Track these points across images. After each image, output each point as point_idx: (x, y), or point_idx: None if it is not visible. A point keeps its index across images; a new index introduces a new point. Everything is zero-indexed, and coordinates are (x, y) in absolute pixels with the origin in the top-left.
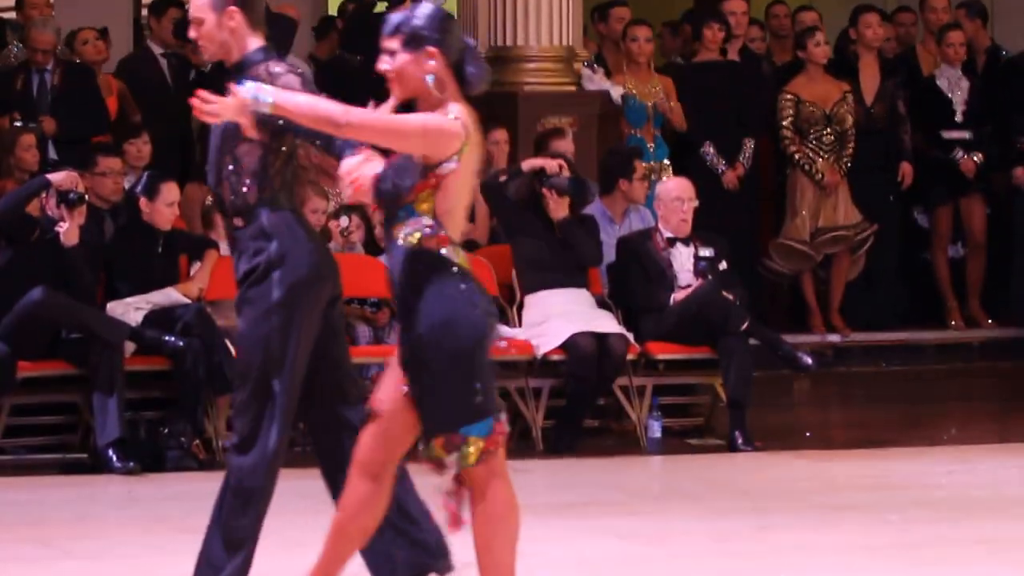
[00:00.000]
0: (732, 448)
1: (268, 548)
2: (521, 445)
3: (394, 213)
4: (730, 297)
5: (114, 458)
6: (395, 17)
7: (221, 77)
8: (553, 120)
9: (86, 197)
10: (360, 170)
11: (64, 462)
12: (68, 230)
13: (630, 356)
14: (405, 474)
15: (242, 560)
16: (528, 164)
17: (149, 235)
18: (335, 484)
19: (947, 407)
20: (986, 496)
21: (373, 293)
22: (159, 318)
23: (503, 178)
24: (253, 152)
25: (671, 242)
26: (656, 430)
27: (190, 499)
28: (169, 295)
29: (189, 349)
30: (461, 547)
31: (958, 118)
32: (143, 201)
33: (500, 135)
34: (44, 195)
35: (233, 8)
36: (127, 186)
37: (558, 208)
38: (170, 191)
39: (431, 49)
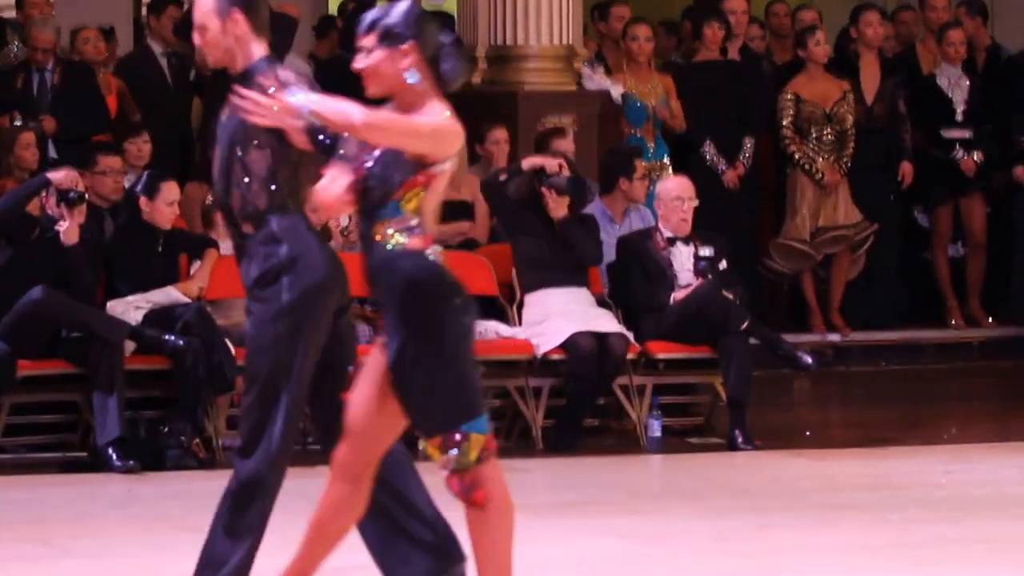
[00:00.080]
0: (732, 447)
1: (268, 548)
2: (521, 444)
3: (377, 209)
4: (730, 296)
5: (114, 457)
6: (370, 15)
7: (222, 76)
8: (553, 119)
9: (86, 196)
10: (328, 189)
11: (64, 461)
12: (68, 229)
13: (630, 355)
14: (414, 474)
15: (243, 557)
16: (528, 163)
17: (149, 234)
18: None
19: (947, 406)
20: (986, 495)
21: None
22: (159, 317)
23: (503, 177)
24: (263, 159)
25: (671, 241)
26: (656, 429)
27: (190, 498)
28: (169, 294)
29: (189, 348)
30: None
31: (958, 117)
32: (143, 200)
33: (500, 134)
34: (44, 194)
35: (238, 15)
36: (127, 185)
37: (557, 207)
38: (170, 190)
39: (406, 46)
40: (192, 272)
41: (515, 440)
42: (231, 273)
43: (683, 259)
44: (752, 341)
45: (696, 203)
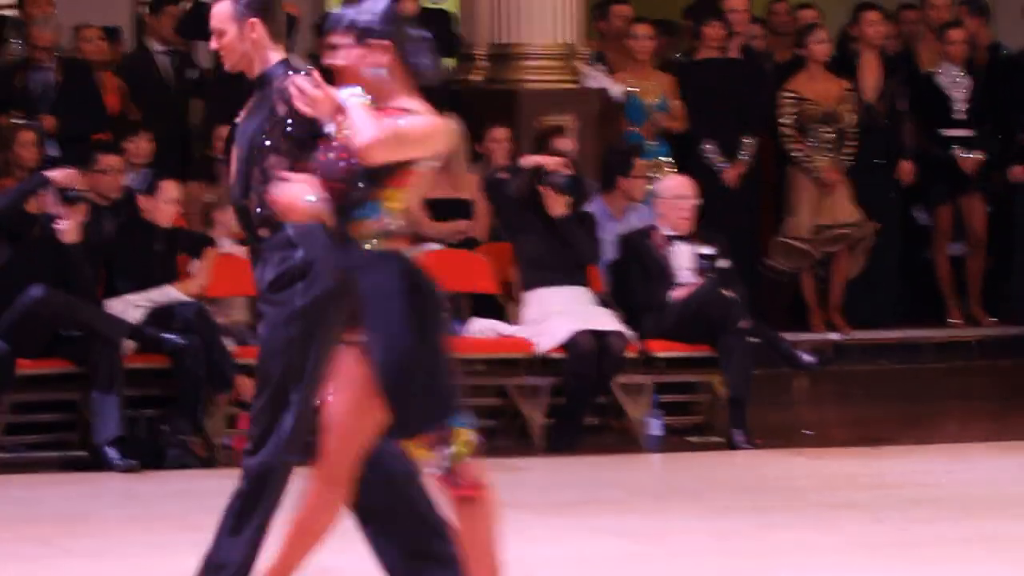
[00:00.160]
0: (732, 446)
1: (269, 547)
2: (520, 443)
3: (356, 208)
4: (730, 295)
5: (114, 456)
6: (345, 12)
7: (223, 75)
8: (553, 118)
9: (86, 195)
10: (287, 194)
11: (64, 460)
12: (68, 228)
13: (630, 354)
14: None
15: (245, 557)
16: (528, 162)
17: (149, 233)
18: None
19: (947, 405)
20: (985, 494)
21: None
22: (159, 316)
23: (503, 176)
24: (281, 164)
25: (671, 240)
26: (656, 428)
27: (190, 497)
28: (169, 293)
29: (189, 347)
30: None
31: (959, 116)
32: (143, 199)
33: (501, 133)
34: (44, 193)
35: (255, 20)
36: (127, 183)
37: (557, 206)
38: (170, 188)
39: (382, 43)
40: (192, 271)
41: (514, 439)
42: (230, 272)
43: (683, 258)
44: (752, 340)
45: (696, 202)
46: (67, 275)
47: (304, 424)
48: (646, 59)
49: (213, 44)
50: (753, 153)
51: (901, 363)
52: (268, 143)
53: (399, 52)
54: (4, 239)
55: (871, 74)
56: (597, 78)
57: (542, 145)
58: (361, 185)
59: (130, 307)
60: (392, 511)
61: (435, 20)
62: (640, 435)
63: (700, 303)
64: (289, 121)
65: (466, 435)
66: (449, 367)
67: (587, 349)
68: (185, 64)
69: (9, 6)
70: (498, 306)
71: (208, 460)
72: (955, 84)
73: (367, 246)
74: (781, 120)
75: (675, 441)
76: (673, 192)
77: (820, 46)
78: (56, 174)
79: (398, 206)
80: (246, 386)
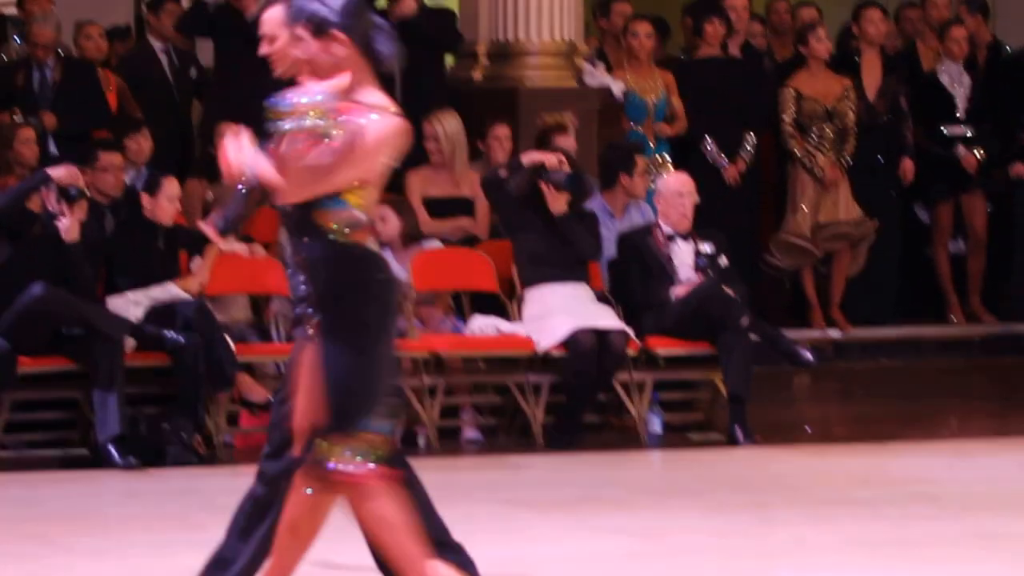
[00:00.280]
0: (732, 443)
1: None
2: (521, 441)
3: (321, 201)
4: (730, 293)
5: (114, 454)
6: (304, 5)
7: (226, 74)
8: (554, 115)
9: (86, 193)
10: (234, 155)
11: (64, 458)
12: (68, 226)
13: (630, 351)
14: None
15: (251, 560)
16: (528, 159)
17: (149, 230)
18: None
19: (947, 403)
20: (985, 492)
21: None
22: (159, 314)
23: (503, 173)
24: None
25: (671, 238)
26: (656, 425)
27: (191, 495)
28: (169, 290)
29: (189, 345)
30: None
31: (960, 114)
32: (144, 196)
33: (502, 131)
34: (44, 191)
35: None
36: (128, 181)
37: (557, 203)
38: (171, 186)
39: (337, 34)
40: (192, 268)
41: (515, 437)
42: (231, 270)
43: (683, 255)
44: (752, 337)
45: (696, 199)
46: (67, 273)
47: None
48: (646, 57)
49: (264, 49)
50: (754, 151)
51: (901, 360)
52: None
53: (358, 44)
54: (5, 237)
55: (872, 72)
56: (597, 76)
57: (543, 143)
58: None
59: (131, 305)
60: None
61: (437, 18)
62: (641, 432)
63: (701, 301)
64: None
65: (374, 439)
66: (386, 372)
67: (588, 347)
68: (186, 62)
69: (9, 4)
70: (499, 304)
71: (209, 458)
72: (956, 82)
73: (332, 236)
74: (782, 118)
75: (675, 438)
76: (674, 190)
77: (821, 44)
78: (57, 172)
79: (361, 203)
80: (247, 384)
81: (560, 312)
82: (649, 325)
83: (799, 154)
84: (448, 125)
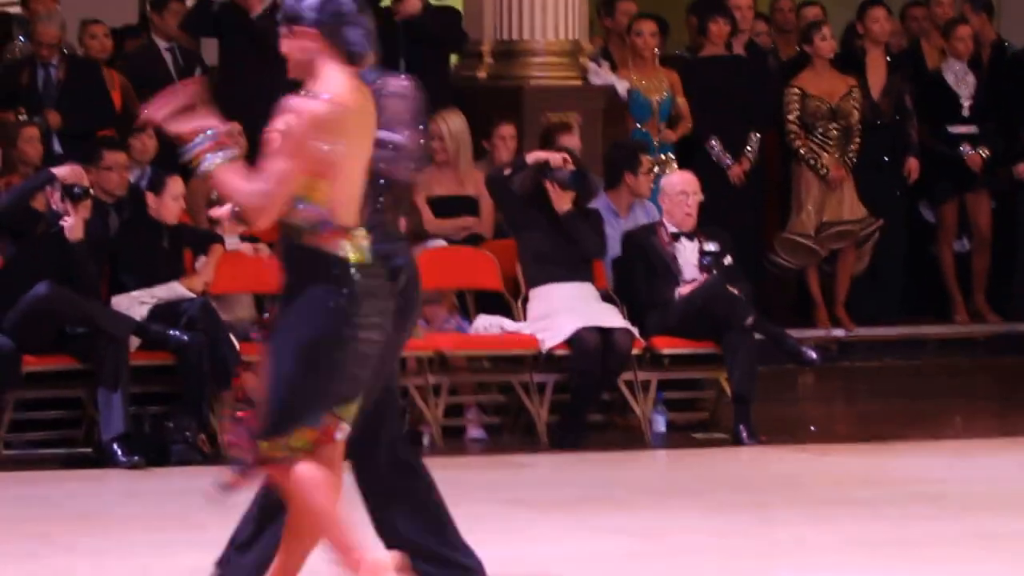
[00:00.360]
0: (736, 443)
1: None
2: (525, 440)
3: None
4: (735, 292)
5: (119, 452)
6: (287, 2)
7: (231, 73)
8: (558, 114)
9: (91, 191)
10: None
11: (68, 457)
12: (72, 224)
13: (635, 351)
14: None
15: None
16: (532, 157)
17: (154, 229)
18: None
19: (951, 402)
20: (988, 491)
21: None
22: (164, 312)
23: (508, 172)
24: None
25: (676, 236)
26: (661, 425)
27: (195, 494)
28: (174, 289)
29: (194, 343)
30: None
31: (965, 113)
32: (149, 195)
33: (506, 130)
34: (49, 189)
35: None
36: (132, 180)
37: (561, 201)
38: (175, 185)
39: (306, 29)
40: (197, 267)
41: (519, 436)
42: (236, 269)
43: (688, 254)
44: (757, 336)
45: (701, 198)
46: (71, 272)
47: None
48: (650, 56)
49: (284, 49)
50: (758, 150)
51: (905, 360)
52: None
53: (328, 38)
54: (9, 236)
55: (877, 71)
56: (602, 75)
57: (547, 141)
58: None
59: (135, 304)
60: (415, 488)
61: (441, 16)
62: (645, 432)
63: (705, 300)
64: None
65: (309, 435)
66: (325, 382)
67: (592, 346)
68: (190, 61)
69: (14, 3)
70: (503, 302)
71: (213, 457)
72: (961, 81)
73: (297, 238)
74: (787, 117)
75: (680, 438)
76: (678, 189)
77: (825, 43)
78: (61, 171)
79: (320, 196)
80: (250, 382)
81: (564, 311)
82: (653, 324)
83: (804, 153)
84: (452, 124)
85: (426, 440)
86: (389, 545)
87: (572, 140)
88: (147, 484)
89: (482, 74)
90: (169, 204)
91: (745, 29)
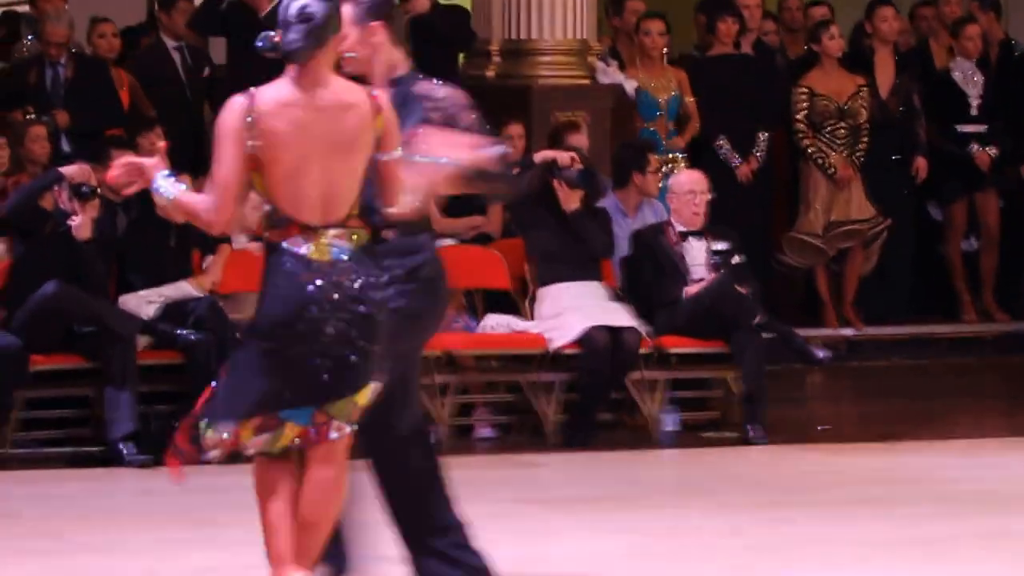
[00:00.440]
0: (746, 442)
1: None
2: (534, 439)
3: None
4: (743, 291)
5: (127, 451)
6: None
7: (239, 72)
8: (567, 114)
9: (98, 191)
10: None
11: (76, 456)
12: (80, 223)
13: (644, 350)
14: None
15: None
16: (540, 156)
17: (162, 228)
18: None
19: (960, 401)
20: (999, 490)
21: None
22: (172, 312)
23: (516, 171)
24: None
25: (684, 236)
26: (670, 424)
27: (204, 492)
28: (182, 288)
29: (201, 343)
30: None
31: (973, 112)
32: (156, 194)
33: (514, 129)
34: (56, 188)
35: (377, 24)
36: None
37: (569, 200)
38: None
39: (274, 32)
40: (205, 267)
41: (528, 435)
42: (244, 268)
43: (696, 253)
44: (765, 335)
45: (709, 197)
46: (79, 271)
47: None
48: (658, 55)
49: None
50: (766, 149)
51: (914, 359)
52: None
53: (281, 35)
54: (17, 235)
55: (885, 70)
56: (610, 74)
57: (555, 141)
58: None
59: (143, 303)
60: (431, 473)
61: (450, 15)
62: (654, 431)
63: (714, 299)
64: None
65: (293, 430)
66: (278, 371)
67: (601, 345)
68: (198, 60)
69: (22, 2)
70: (512, 302)
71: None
72: (969, 80)
73: (263, 236)
74: (795, 116)
75: (689, 437)
76: (686, 188)
77: (833, 42)
78: (69, 170)
79: (260, 190)
80: None
81: (573, 310)
82: (662, 323)
83: (812, 152)
84: None
85: (434, 439)
86: (400, 539)
87: (580, 139)
88: (155, 483)
89: (490, 73)
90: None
91: (753, 28)
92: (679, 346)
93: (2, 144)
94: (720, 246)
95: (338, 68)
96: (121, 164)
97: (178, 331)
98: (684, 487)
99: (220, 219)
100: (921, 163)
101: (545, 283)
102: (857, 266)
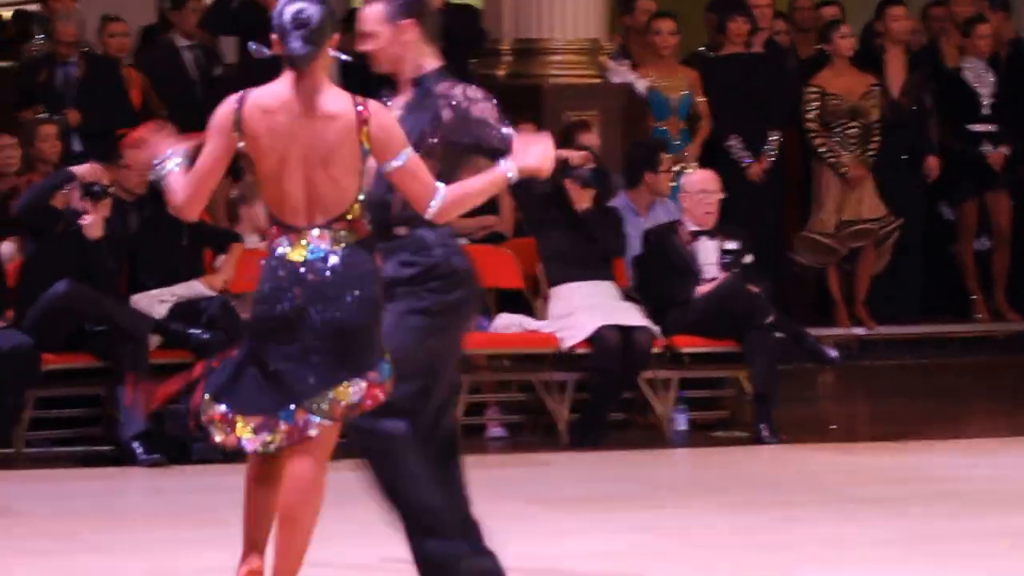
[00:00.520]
0: (757, 441)
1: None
2: (546, 439)
3: None
4: (755, 290)
5: (139, 450)
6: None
7: (250, 71)
8: (578, 113)
9: (109, 190)
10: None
11: (88, 455)
12: (92, 223)
13: (655, 349)
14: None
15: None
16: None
17: (174, 227)
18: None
19: (971, 400)
20: (1010, 489)
21: None
22: (183, 311)
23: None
24: (433, 168)
25: (696, 235)
26: (681, 423)
27: (215, 491)
28: (193, 288)
29: (213, 342)
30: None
31: (985, 111)
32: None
33: (525, 128)
34: (68, 188)
35: (410, 21)
36: (152, 179)
37: (581, 199)
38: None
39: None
40: (216, 266)
41: (540, 434)
42: (255, 267)
43: (708, 253)
44: (777, 335)
45: (721, 197)
46: (91, 270)
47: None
48: (669, 54)
49: (365, 47)
50: (778, 148)
51: (926, 358)
52: (420, 146)
53: (278, 40)
54: (28, 234)
55: (896, 69)
56: (621, 73)
57: (567, 140)
58: None
59: (155, 302)
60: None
61: (461, 15)
62: (665, 430)
63: (725, 298)
64: (452, 128)
65: (283, 429)
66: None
67: (612, 344)
68: (210, 59)
69: (33, 1)
70: (524, 301)
71: (233, 454)
72: (981, 79)
73: None
74: (806, 115)
75: (700, 436)
76: (698, 187)
77: (844, 41)
78: (81, 169)
79: (262, 199)
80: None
81: (585, 309)
82: (674, 323)
83: (823, 152)
84: None
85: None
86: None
87: (591, 138)
88: (167, 482)
89: (501, 72)
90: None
91: (764, 27)
92: (690, 345)
93: (13, 143)
94: (732, 245)
95: (243, 59)
96: (146, 132)
97: (190, 330)
98: (695, 486)
99: (186, 207)
100: (932, 162)
101: (557, 282)
102: (869, 265)
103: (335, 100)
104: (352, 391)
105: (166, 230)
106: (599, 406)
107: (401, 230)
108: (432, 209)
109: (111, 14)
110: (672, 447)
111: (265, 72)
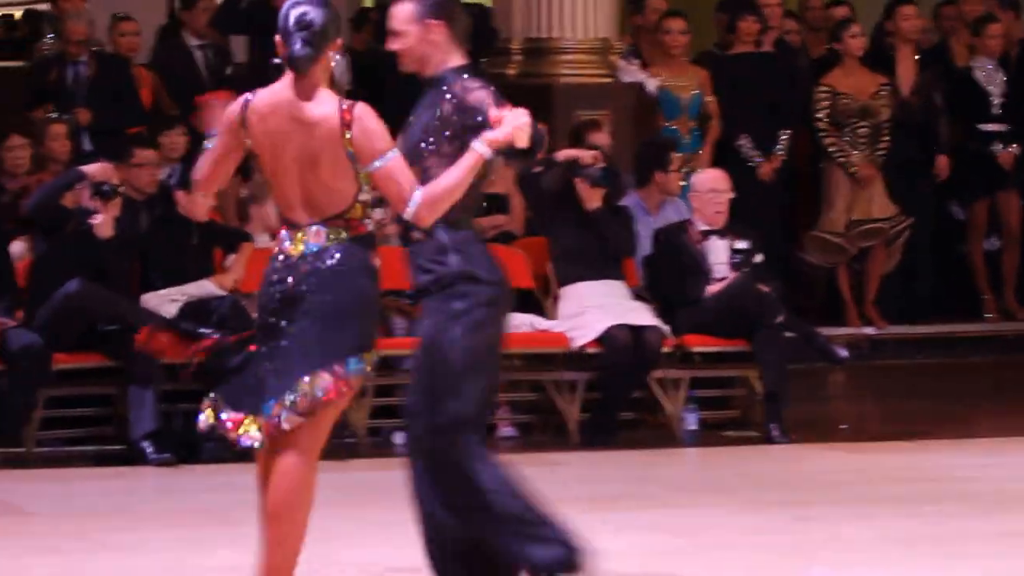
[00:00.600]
0: (768, 441)
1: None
2: (556, 438)
3: None
4: (765, 289)
5: (150, 450)
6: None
7: (260, 70)
8: (588, 112)
9: (120, 189)
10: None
11: (99, 454)
12: (102, 222)
13: (666, 349)
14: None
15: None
16: (563, 155)
17: (184, 227)
18: None
19: (982, 400)
20: (1021, 489)
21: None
22: (194, 310)
23: (538, 170)
24: (441, 167)
25: (706, 234)
26: (692, 423)
27: (226, 491)
28: (204, 287)
29: (223, 341)
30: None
31: (995, 111)
32: (179, 193)
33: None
34: (78, 187)
35: (438, 22)
36: (162, 178)
37: (591, 199)
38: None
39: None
40: (227, 265)
41: (551, 434)
42: (265, 266)
43: (718, 252)
44: (787, 334)
45: (731, 196)
46: (101, 270)
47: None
48: (680, 53)
49: (393, 46)
50: (788, 148)
51: (936, 358)
52: (431, 144)
53: (282, 43)
54: (39, 233)
55: (907, 69)
56: (632, 72)
57: (577, 139)
58: None
59: (165, 301)
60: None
61: (470, 14)
62: (676, 430)
63: (735, 298)
64: (450, 119)
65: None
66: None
67: (623, 344)
68: (220, 58)
69: (43, 0)
70: (534, 301)
71: (244, 454)
72: (991, 79)
73: None
74: (816, 115)
75: (711, 436)
76: (708, 186)
77: (855, 40)
78: (91, 168)
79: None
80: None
81: (595, 309)
82: (684, 322)
83: (833, 151)
84: None
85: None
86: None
87: (602, 138)
88: (178, 481)
89: (511, 72)
90: (199, 202)
91: (775, 27)
92: (701, 345)
93: (24, 144)
94: (742, 245)
95: (256, 57)
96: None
97: (200, 329)
98: (706, 486)
99: (202, 182)
100: (943, 162)
101: (567, 282)
102: (879, 265)
103: (321, 105)
104: (317, 384)
105: (176, 229)
106: (610, 406)
107: (418, 233)
108: (408, 211)
109: (121, 13)
110: (682, 447)
111: (277, 70)
